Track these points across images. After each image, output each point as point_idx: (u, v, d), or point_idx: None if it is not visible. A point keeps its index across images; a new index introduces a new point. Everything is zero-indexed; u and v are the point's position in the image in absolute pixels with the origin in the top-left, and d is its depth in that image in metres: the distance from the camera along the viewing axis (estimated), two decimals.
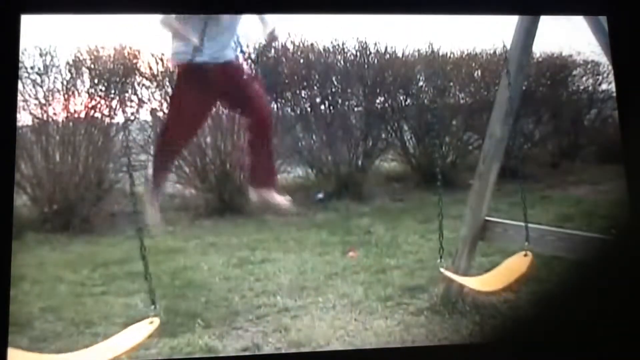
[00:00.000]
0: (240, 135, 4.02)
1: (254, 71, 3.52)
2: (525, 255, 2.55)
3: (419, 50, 4.27)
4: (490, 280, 2.55)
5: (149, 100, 3.91)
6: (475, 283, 2.60)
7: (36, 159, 3.68)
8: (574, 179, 4.37)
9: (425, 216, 3.65)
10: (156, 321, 2.12)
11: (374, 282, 3.05)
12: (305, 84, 4.20)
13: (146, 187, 2.66)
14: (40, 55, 3.66)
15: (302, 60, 4.17)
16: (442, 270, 2.61)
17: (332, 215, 3.95)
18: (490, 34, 3.64)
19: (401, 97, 4.35)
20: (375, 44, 4.22)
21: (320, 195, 4.14)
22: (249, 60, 4.02)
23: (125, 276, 3.03)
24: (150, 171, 2.70)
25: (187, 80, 2.60)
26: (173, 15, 2.50)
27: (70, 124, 3.74)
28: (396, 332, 2.60)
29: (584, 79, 4.62)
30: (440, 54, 4.29)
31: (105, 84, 3.77)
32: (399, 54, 4.30)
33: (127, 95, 3.85)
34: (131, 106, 3.86)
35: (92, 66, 3.75)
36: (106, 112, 3.80)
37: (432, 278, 2.87)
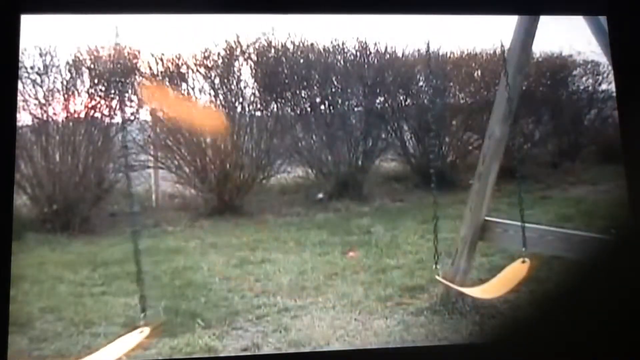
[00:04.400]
0: (240, 135, 4.02)
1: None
2: (523, 262, 2.55)
3: (419, 50, 4.27)
4: (491, 289, 2.55)
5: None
6: (476, 292, 2.60)
7: (36, 159, 3.68)
8: (574, 179, 4.37)
9: (425, 216, 3.64)
10: (146, 330, 2.12)
11: (374, 282, 3.05)
12: (305, 84, 4.20)
13: None
14: (40, 55, 3.66)
15: (302, 60, 4.17)
16: (437, 277, 2.62)
17: (332, 215, 3.95)
18: (490, 34, 3.65)
19: (401, 97, 4.35)
20: (375, 44, 4.22)
21: (320, 195, 4.14)
22: (249, 60, 4.03)
23: (125, 276, 3.02)
24: None
25: None
26: None
27: (70, 124, 3.74)
28: (396, 332, 2.60)
29: (584, 79, 4.62)
30: (440, 54, 4.29)
31: (105, 84, 3.77)
32: (399, 54, 4.31)
33: (127, 95, 3.85)
34: (131, 106, 3.86)
35: (92, 66, 3.75)
36: (106, 112, 3.80)
37: (432, 278, 2.87)
